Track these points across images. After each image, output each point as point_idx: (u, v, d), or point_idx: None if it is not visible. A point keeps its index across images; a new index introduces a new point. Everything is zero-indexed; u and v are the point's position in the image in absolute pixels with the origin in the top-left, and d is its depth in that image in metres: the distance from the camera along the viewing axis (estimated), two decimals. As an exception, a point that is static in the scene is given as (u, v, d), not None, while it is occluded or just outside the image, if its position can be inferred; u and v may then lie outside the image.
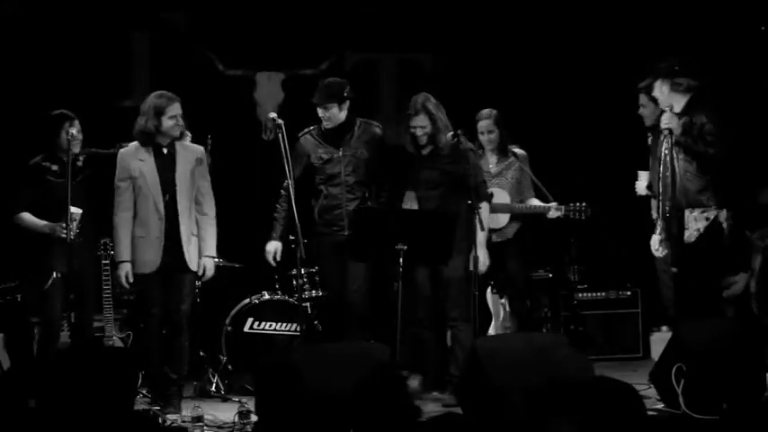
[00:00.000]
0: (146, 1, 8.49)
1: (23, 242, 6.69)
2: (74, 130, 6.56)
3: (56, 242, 6.50)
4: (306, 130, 6.90)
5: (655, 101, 7.05)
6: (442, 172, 6.76)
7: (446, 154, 6.77)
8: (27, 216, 6.60)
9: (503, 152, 7.30)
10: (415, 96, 6.82)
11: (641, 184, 7.17)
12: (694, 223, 6.59)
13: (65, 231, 6.39)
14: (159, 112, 6.41)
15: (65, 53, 8.14)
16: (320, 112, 6.80)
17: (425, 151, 6.80)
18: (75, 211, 6.43)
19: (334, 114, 6.77)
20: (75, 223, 6.43)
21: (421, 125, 6.74)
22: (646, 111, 7.20)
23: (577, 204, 7.24)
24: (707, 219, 6.58)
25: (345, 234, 6.67)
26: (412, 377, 6.73)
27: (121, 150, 6.53)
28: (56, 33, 8.16)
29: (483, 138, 7.25)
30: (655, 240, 6.79)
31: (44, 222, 6.53)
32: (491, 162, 7.29)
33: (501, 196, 7.18)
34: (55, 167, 6.59)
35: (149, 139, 6.45)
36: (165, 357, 6.55)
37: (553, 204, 7.23)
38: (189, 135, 6.69)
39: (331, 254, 6.81)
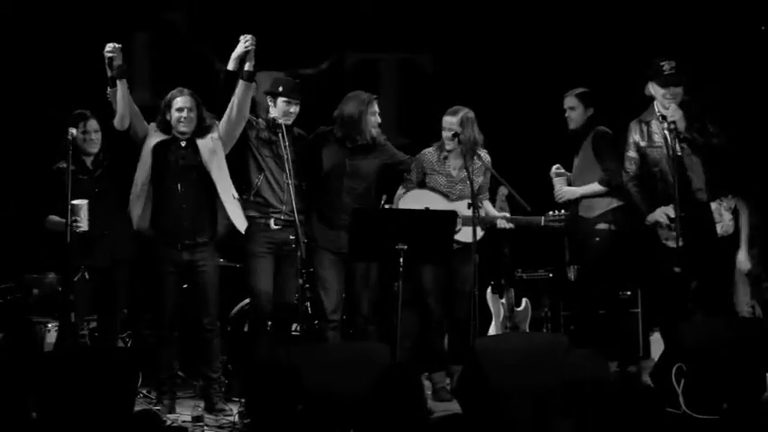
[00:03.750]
0: (146, 1, 8.50)
1: (50, 241, 6.71)
2: (90, 129, 6.61)
3: (78, 239, 6.50)
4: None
5: (585, 104, 7.13)
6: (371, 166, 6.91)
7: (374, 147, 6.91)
8: (53, 218, 6.63)
9: (468, 152, 7.00)
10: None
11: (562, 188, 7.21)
12: (726, 214, 6.63)
13: (78, 225, 6.39)
14: (167, 105, 6.57)
15: (65, 54, 8.13)
16: (290, 107, 6.70)
17: (352, 144, 6.88)
18: (79, 203, 6.42)
19: (296, 112, 6.75)
20: (83, 215, 6.42)
21: (379, 111, 6.89)
22: (574, 113, 7.27)
23: (556, 212, 7.07)
24: (729, 208, 6.63)
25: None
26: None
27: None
28: (56, 34, 8.16)
29: (445, 134, 7.02)
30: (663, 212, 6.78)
31: (65, 221, 6.51)
32: (451, 165, 7.07)
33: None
34: (72, 167, 6.57)
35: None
36: (202, 358, 6.66)
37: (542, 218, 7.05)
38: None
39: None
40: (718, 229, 6.71)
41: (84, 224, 6.41)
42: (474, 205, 6.72)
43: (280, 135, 6.54)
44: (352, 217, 6.42)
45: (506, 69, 8.66)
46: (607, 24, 8.55)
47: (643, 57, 7.28)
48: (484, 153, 7.12)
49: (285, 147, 6.49)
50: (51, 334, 7.06)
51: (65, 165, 6.56)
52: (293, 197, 6.44)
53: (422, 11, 8.70)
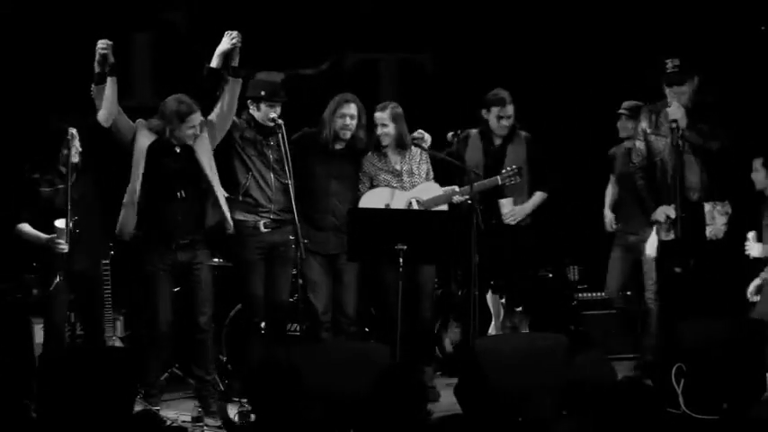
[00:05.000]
0: (146, 1, 8.49)
1: (27, 244, 6.68)
2: (75, 144, 6.54)
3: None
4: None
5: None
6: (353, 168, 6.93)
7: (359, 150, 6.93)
8: (27, 228, 6.55)
9: (402, 147, 7.04)
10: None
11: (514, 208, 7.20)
12: (720, 218, 6.59)
13: (60, 245, 6.37)
14: (181, 119, 6.41)
15: (64, 54, 8.12)
16: (274, 109, 6.68)
17: (340, 145, 6.87)
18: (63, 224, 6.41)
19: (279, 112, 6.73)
20: (65, 236, 6.41)
21: (352, 113, 6.84)
22: (511, 120, 7.26)
23: (509, 168, 7.03)
24: (726, 213, 6.60)
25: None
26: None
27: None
28: (56, 34, 8.15)
29: (377, 131, 7.01)
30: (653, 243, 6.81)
31: (44, 236, 6.48)
32: (393, 160, 7.04)
33: (435, 189, 6.99)
34: (48, 177, 6.52)
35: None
36: (195, 359, 6.62)
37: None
38: None
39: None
40: (708, 231, 6.65)
41: (65, 246, 6.40)
42: (473, 207, 6.72)
43: (279, 136, 6.55)
44: (350, 217, 6.43)
45: (506, 69, 8.65)
46: (607, 24, 8.55)
47: (643, 57, 7.28)
48: (418, 141, 7.08)
49: (286, 148, 6.49)
50: (39, 334, 7.04)
51: (35, 175, 6.53)
52: (293, 197, 6.46)
53: (422, 11, 8.70)
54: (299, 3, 8.61)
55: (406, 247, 6.23)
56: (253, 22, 8.49)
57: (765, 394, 6.01)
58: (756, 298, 6.87)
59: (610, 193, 7.85)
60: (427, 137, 7.08)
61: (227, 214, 6.54)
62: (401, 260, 6.23)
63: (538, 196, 7.31)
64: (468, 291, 6.74)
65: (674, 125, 6.59)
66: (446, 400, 6.81)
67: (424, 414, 5.10)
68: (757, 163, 6.99)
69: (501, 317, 7.43)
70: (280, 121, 6.61)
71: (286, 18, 8.56)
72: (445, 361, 7.73)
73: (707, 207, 6.63)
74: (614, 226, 7.71)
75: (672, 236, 6.69)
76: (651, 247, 6.95)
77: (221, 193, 6.55)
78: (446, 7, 8.69)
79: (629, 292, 7.68)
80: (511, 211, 7.23)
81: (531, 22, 8.69)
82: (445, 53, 8.82)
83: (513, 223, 7.24)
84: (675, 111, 6.60)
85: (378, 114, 7.02)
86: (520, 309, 7.49)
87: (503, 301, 7.44)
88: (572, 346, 6.02)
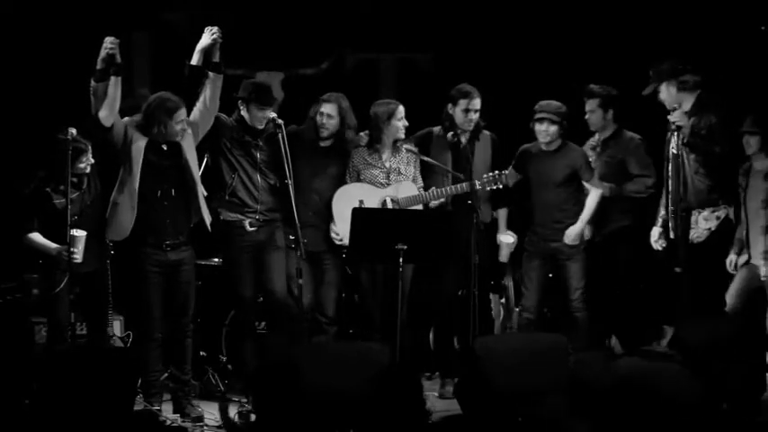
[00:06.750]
0: (146, 1, 8.49)
1: (36, 253, 6.68)
2: (89, 158, 6.55)
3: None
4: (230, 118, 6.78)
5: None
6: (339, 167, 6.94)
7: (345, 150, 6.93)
8: (38, 238, 6.58)
9: (394, 145, 7.06)
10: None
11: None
12: (704, 223, 6.57)
13: (74, 255, 6.37)
14: (169, 115, 6.36)
15: (64, 54, 8.13)
16: (264, 112, 6.67)
17: (326, 143, 6.89)
18: (79, 234, 6.40)
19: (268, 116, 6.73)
20: (80, 247, 6.40)
21: (328, 112, 6.82)
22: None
23: (491, 174, 6.93)
24: (717, 218, 6.57)
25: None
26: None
27: None
28: (55, 35, 8.15)
29: (399, 124, 6.97)
30: (655, 233, 6.79)
31: (54, 245, 6.51)
32: (384, 157, 7.04)
33: (411, 189, 7.00)
34: (62, 187, 6.48)
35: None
36: (174, 360, 6.60)
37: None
38: None
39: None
40: (691, 234, 6.61)
41: (79, 256, 6.40)
42: (473, 207, 6.71)
43: (279, 136, 6.55)
44: (351, 217, 6.43)
45: (507, 69, 8.66)
46: (606, 25, 8.55)
47: (642, 58, 7.27)
48: (409, 145, 7.09)
49: (286, 148, 6.49)
50: (41, 334, 7.05)
51: (47, 188, 6.54)
52: (293, 198, 6.46)
53: (422, 11, 8.70)
54: (299, 3, 8.61)
55: (406, 247, 6.23)
56: (253, 21, 8.51)
57: (765, 394, 6.01)
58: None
59: None
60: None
61: (206, 215, 6.51)
62: (401, 260, 6.25)
63: (505, 212, 7.31)
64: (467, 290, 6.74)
65: (674, 127, 6.59)
66: (446, 401, 6.83)
67: (423, 414, 5.10)
68: None
69: (501, 317, 7.42)
70: (279, 121, 6.62)
71: (286, 18, 8.56)
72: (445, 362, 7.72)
73: (694, 213, 6.60)
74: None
75: (671, 235, 6.70)
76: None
77: (201, 192, 6.53)
78: (446, 7, 8.69)
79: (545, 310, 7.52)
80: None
81: (531, 21, 8.68)
82: (445, 53, 8.82)
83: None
84: (679, 116, 6.60)
85: (402, 108, 7.00)
86: (519, 308, 7.49)
87: (502, 301, 7.43)
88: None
